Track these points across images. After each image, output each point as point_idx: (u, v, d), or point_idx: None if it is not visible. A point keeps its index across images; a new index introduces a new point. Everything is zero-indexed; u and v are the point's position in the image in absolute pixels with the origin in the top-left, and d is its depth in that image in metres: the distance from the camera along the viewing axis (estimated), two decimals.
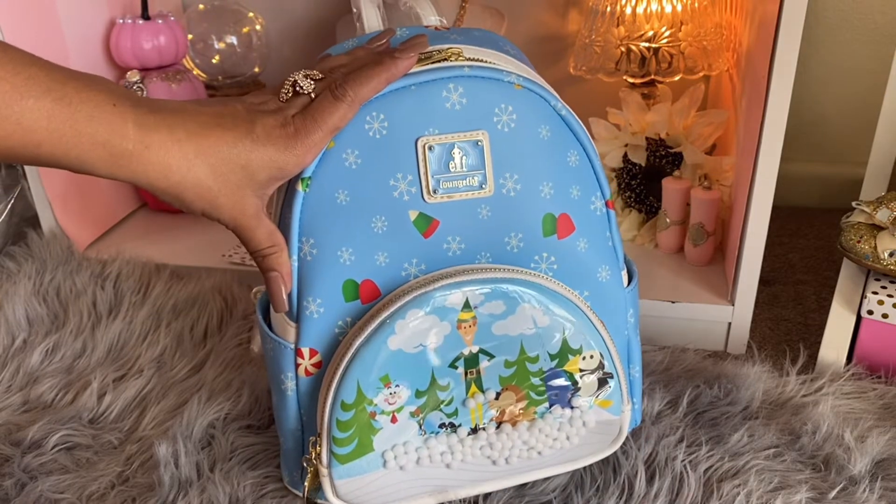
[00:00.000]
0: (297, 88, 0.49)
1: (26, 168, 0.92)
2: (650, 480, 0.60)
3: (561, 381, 0.55)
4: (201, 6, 1.10)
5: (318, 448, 0.53)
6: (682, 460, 0.61)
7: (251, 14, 1.12)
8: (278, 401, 0.56)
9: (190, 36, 1.09)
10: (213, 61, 1.11)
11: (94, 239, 1.00)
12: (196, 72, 1.11)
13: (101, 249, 0.96)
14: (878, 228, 0.74)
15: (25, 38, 0.88)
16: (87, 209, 0.99)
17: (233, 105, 0.49)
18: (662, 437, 0.64)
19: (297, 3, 1.17)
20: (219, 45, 1.10)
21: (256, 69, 1.14)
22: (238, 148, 0.47)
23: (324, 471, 0.53)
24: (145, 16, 0.98)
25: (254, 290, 0.59)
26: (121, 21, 0.98)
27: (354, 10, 0.73)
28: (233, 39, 1.10)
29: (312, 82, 0.49)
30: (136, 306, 0.84)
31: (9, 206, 0.98)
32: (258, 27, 1.12)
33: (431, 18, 0.60)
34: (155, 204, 1.07)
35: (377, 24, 0.59)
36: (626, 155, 0.92)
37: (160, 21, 0.98)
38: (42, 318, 0.83)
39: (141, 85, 0.98)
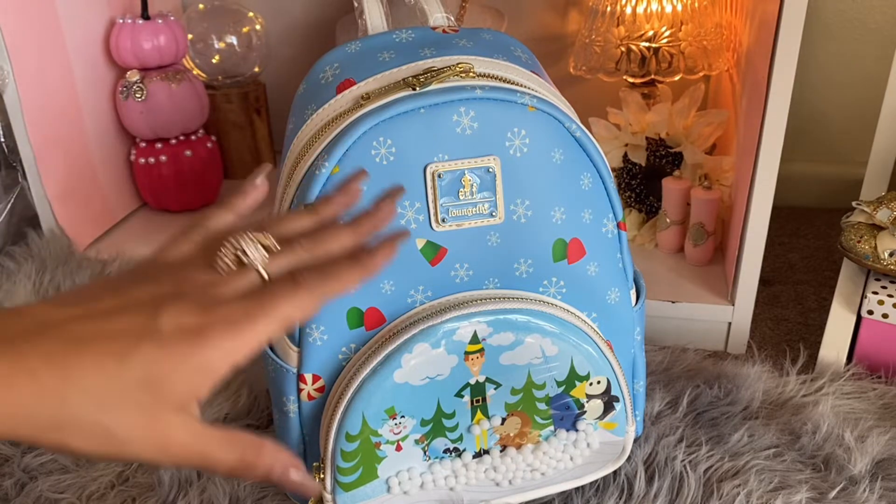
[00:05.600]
0: (245, 259, 0.36)
1: (26, 168, 0.92)
2: (650, 480, 0.60)
3: (567, 406, 0.54)
4: (201, 6, 1.10)
5: (321, 474, 0.52)
6: (682, 460, 0.61)
7: (251, 14, 1.12)
8: (280, 420, 0.56)
9: (190, 36, 1.09)
10: (213, 61, 1.11)
11: (94, 239, 1.00)
12: (196, 72, 1.11)
13: (101, 249, 0.96)
14: (879, 228, 0.74)
15: (25, 38, 0.88)
16: (87, 209, 0.99)
17: (131, 288, 0.35)
18: (662, 437, 0.64)
19: (297, 3, 1.17)
20: (219, 45, 1.10)
21: (256, 69, 1.14)
22: (133, 359, 0.32)
23: (328, 496, 0.53)
24: (145, 16, 0.98)
25: None
26: (121, 21, 0.98)
27: (356, 5, 0.71)
28: (233, 39, 1.10)
29: (265, 255, 0.36)
30: None
31: (9, 206, 0.98)
32: (258, 27, 1.12)
33: (438, 16, 0.59)
34: (155, 203, 1.07)
35: (380, 22, 0.58)
36: (626, 155, 0.92)
37: (160, 21, 0.98)
38: None
39: (141, 85, 0.98)
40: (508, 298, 0.51)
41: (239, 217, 0.40)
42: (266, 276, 0.36)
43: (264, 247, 0.37)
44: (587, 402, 0.54)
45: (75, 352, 0.32)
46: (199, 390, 0.34)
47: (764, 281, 0.93)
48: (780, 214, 1.10)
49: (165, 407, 0.33)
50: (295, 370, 0.52)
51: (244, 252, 0.36)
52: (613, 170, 0.93)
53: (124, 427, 0.32)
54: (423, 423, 0.52)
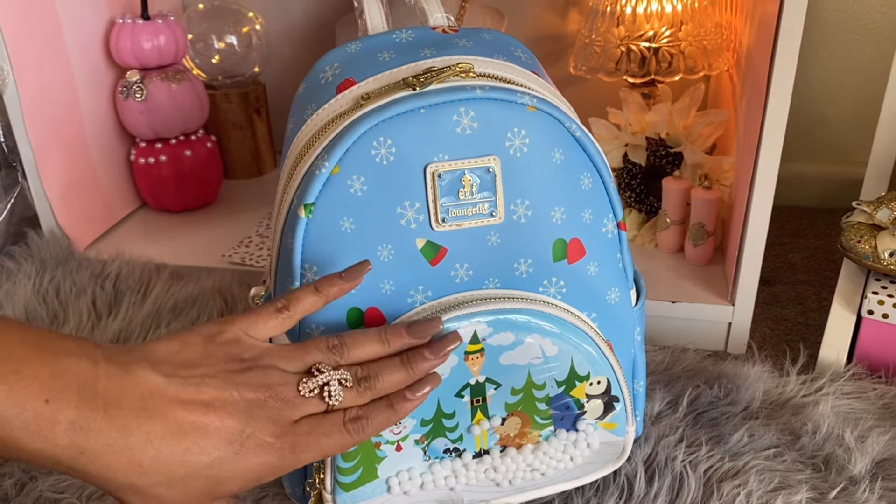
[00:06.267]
0: (325, 394, 0.43)
1: (26, 168, 0.92)
2: (650, 481, 0.60)
3: (567, 406, 0.54)
4: (201, 6, 1.10)
5: (321, 474, 0.52)
6: (682, 460, 0.61)
7: (251, 14, 1.12)
8: None
9: (190, 36, 1.09)
10: (213, 61, 1.11)
11: (94, 239, 1.00)
12: (196, 72, 1.11)
13: (101, 249, 0.96)
14: (879, 228, 0.74)
15: (25, 38, 0.88)
16: (87, 209, 0.99)
17: (234, 379, 0.41)
18: (662, 437, 0.64)
19: (297, 3, 1.17)
20: (219, 45, 1.10)
21: (256, 69, 1.14)
22: (214, 456, 0.39)
23: (328, 496, 0.52)
24: (145, 16, 0.98)
25: (251, 294, 0.58)
26: (121, 21, 0.98)
27: (356, 5, 0.71)
28: (233, 39, 1.10)
29: (341, 393, 0.43)
30: (136, 306, 0.84)
31: (9, 206, 0.98)
32: (258, 27, 1.12)
33: (438, 16, 0.59)
34: (155, 203, 1.07)
35: (380, 22, 0.58)
36: (626, 155, 0.92)
37: (160, 21, 0.98)
38: (42, 317, 0.83)
39: (141, 85, 0.98)
40: (508, 298, 0.51)
41: (327, 303, 0.47)
42: (332, 407, 0.43)
43: (340, 383, 0.43)
44: (587, 402, 0.54)
45: (174, 440, 0.38)
46: (244, 489, 0.41)
47: (764, 281, 0.93)
48: (780, 214, 1.10)
49: (215, 495, 0.40)
50: None
51: (328, 390, 0.43)
52: (613, 170, 0.93)
53: (178, 501, 0.39)
54: (423, 423, 0.52)
